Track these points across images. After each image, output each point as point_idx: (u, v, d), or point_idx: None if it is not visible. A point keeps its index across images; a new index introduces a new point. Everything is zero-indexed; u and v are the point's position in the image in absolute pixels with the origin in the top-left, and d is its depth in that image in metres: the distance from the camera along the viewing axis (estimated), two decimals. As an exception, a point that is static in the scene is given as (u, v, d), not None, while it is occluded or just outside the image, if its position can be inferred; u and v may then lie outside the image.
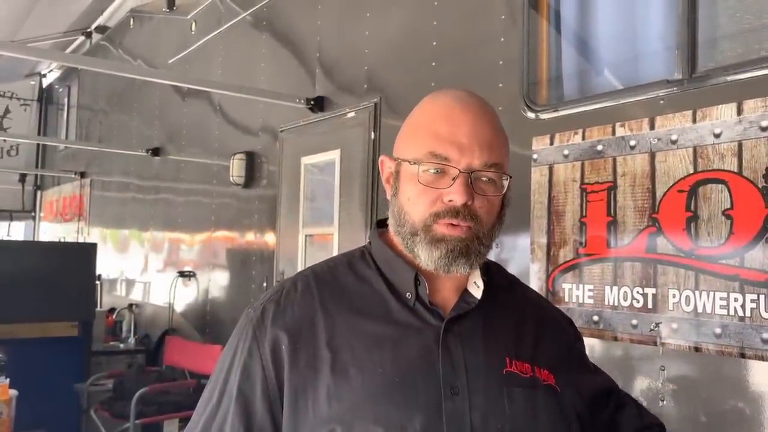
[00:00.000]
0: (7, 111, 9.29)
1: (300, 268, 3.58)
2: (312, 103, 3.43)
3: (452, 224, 0.87)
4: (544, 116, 2.25)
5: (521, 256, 2.31)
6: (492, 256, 2.39)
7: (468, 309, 0.91)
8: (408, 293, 0.90)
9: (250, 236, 4.15)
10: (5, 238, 9.13)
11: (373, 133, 3.07)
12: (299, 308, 0.90)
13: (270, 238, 3.95)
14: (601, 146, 2.05)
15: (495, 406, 0.85)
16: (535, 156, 2.25)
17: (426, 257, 0.88)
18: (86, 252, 4.87)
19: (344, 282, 0.93)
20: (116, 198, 6.80)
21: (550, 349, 0.95)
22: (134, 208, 6.23)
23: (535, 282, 2.21)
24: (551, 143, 2.20)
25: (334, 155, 3.32)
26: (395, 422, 0.81)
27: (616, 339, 1.96)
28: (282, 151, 3.80)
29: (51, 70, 9.34)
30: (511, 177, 0.91)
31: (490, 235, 0.91)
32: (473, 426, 0.83)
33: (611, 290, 1.98)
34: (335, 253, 3.27)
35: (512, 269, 2.33)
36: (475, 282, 0.93)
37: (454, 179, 0.86)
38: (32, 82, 9.55)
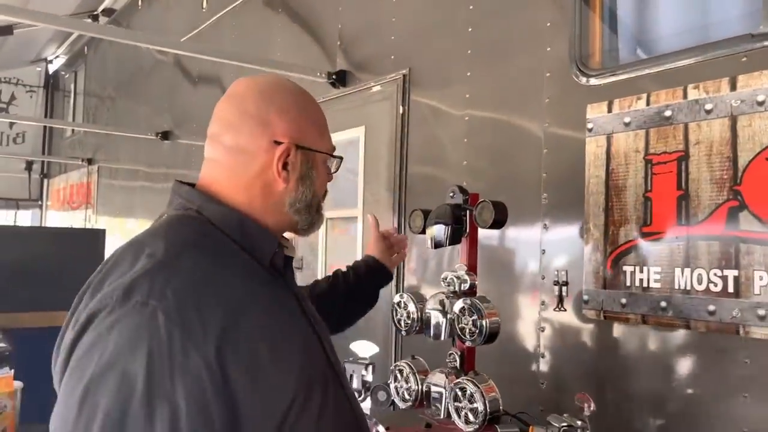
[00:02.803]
0: (12, 98, 9.12)
1: (321, 253, 3.38)
2: (334, 77, 3.21)
3: None
4: (599, 81, 2.03)
5: (571, 237, 2.09)
6: (538, 237, 2.18)
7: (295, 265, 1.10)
8: (264, 259, 0.97)
9: (266, 221, 3.93)
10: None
11: (401, 107, 2.85)
12: (224, 285, 0.86)
13: (287, 222, 3.74)
14: (669, 112, 1.82)
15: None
16: (590, 125, 2.03)
17: (318, 227, 1.08)
18: (95, 238, 4.67)
19: (226, 254, 0.93)
20: (125, 186, 6.62)
21: None
22: (144, 197, 6.05)
23: (591, 265, 1.99)
24: (609, 110, 1.98)
25: (358, 133, 3.11)
26: (323, 371, 0.95)
27: (688, 327, 1.74)
28: (300, 131, 3.59)
29: (57, 56, 9.15)
30: None
31: None
32: (330, 342, 1.05)
33: (683, 273, 1.76)
34: (360, 237, 3.06)
35: (561, 252, 2.13)
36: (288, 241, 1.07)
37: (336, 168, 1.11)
38: (38, 69, 9.38)
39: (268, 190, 0.98)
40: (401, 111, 2.85)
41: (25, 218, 9.49)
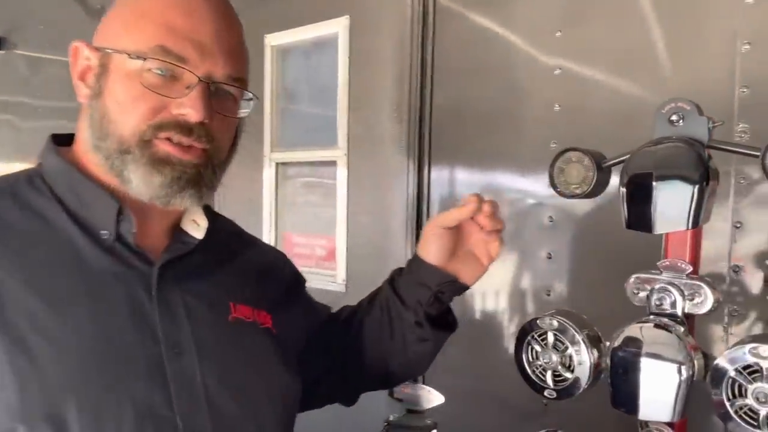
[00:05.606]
0: None
1: (267, 214, 2.27)
2: (289, -63, 2.02)
3: (181, 144, 0.71)
4: None
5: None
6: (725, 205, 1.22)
7: (185, 251, 0.77)
8: (104, 231, 0.72)
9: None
10: None
11: (423, -19, 1.76)
12: None
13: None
14: None
15: (225, 358, 0.75)
16: None
17: (140, 183, 0.71)
18: None
19: (8, 220, 0.70)
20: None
21: (269, 291, 0.88)
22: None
23: None
24: None
25: (337, 27, 1.98)
26: (104, 403, 0.64)
27: None
28: (225, 28, 2.36)
29: None
30: (257, 98, 0.77)
31: (224, 165, 0.77)
32: (206, 385, 0.71)
33: None
34: (344, 193, 1.99)
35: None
36: (194, 220, 0.80)
37: (189, 87, 0.70)
38: None
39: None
40: (422, -12, 1.76)
41: None
